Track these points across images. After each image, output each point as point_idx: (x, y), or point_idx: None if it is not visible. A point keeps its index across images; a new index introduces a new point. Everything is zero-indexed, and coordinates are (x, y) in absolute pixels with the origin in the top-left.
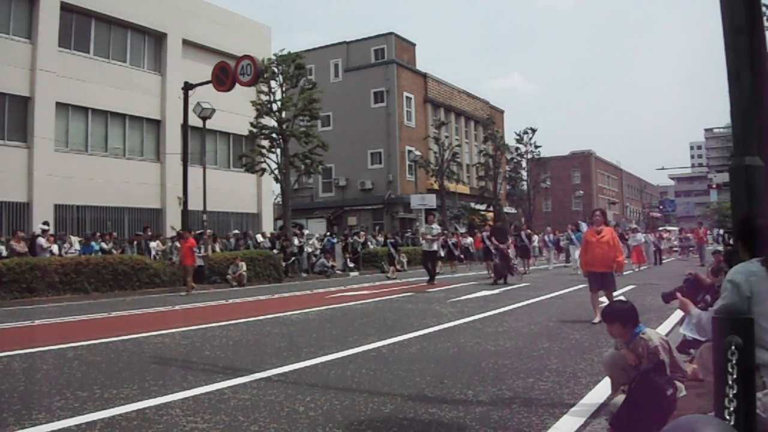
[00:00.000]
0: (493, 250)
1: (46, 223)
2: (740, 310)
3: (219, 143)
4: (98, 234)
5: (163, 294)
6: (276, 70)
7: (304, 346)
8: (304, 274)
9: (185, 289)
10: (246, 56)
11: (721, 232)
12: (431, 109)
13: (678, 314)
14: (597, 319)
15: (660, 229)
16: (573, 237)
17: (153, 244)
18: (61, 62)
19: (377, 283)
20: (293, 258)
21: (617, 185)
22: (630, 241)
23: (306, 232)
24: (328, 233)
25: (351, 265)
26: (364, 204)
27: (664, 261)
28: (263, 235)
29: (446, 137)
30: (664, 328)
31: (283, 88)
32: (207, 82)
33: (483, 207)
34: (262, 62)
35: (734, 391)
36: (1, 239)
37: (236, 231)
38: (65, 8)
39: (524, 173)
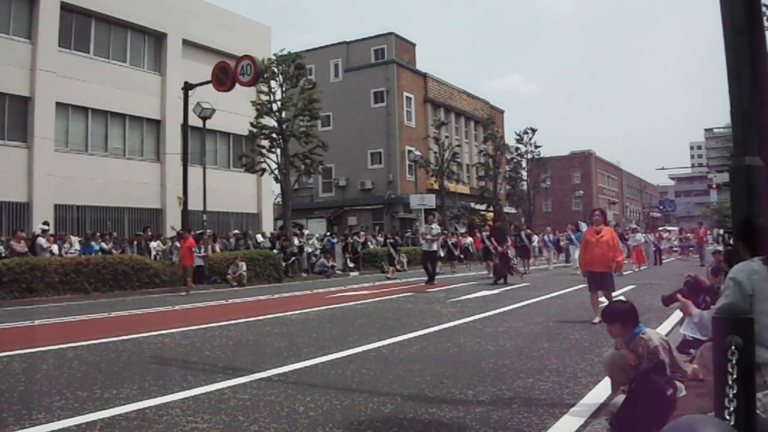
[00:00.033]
0: (492, 251)
1: (46, 223)
2: (740, 310)
3: (219, 143)
4: (98, 234)
5: (163, 294)
6: (276, 70)
7: (304, 346)
8: (304, 274)
9: (185, 289)
10: (246, 56)
11: (721, 232)
12: (431, 109)
13: (678, 314)
14: (597, 319)
15: (660, 229)
16: (573, 237)
17: (154, 244)
18: (61, 62)
19: (377, 283)
20: (293, 258)
21: (617, 185)
22: (630, 241)
23: (306, 232)
24: (328, 233)
25: (351, 265)
26: (364, 204)
27: (664, 261)
28: (263, 235)
29: (446, 137)
30: (664, 328)
31: (283, 88)
32: (207, 82)
33: (483, 207)
34: (262, 62)
35: (734, 391)
36: (1, 239)
37: (236, 231)
38: (65, 8)
39: (524, 173)
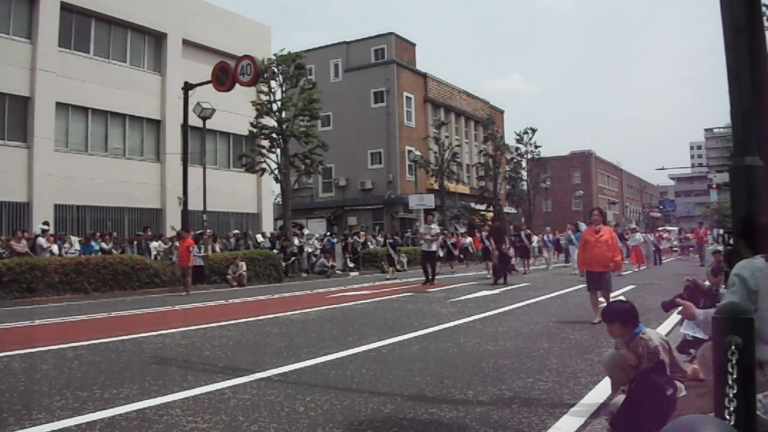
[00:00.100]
0: (491, 250)
1: (46, 223)
2: (741, 310)
3: (219, 143)
4: (98, 234)
5: (163, 294)
6: (276, 70)
7: (304, 346)
8: (304, 274)
9: (185, 290)
10: (246, 56)
11: (721, 232)
12: (431, 109)
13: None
14: (597, 319)
15: (660, 229)
16: (573, 237)
17: (154, 245)
18: (61, 62)
19: (377, 283)
20: (293, 258)
21: (617, 185)
22: (629, 241)
23: (306, 232)
24: (328, 233)
25: (351, 265)
26: (364, 204)
27: (663, 261)
28: (263, 235)
29: (446, 137)
30: (664, 328)
31: (283, 88)
32: (207, 82)
33: (483, 207)
34: (262, 62)
35: (734, 391)
36: (1, 239)
37: (236, 231)
38: (65, 8)
39: (524, 173)
